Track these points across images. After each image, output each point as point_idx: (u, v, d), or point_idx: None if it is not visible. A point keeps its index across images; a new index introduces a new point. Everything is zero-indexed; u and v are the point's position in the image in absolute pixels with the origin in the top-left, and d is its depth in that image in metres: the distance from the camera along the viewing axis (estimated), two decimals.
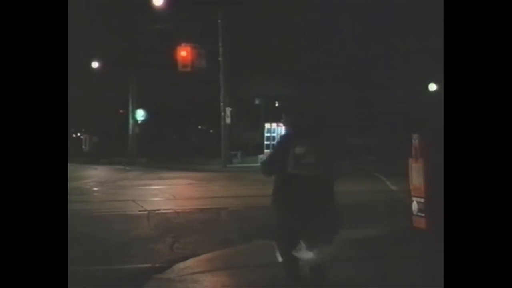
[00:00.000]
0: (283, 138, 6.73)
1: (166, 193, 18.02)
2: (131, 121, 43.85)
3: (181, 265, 7.52)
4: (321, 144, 6.18)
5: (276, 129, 32.27)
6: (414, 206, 8.75)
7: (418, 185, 8.71)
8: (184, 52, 30.81)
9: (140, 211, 13.41)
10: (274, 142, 6.68)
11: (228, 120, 31.73)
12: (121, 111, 46.88)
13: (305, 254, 6.11)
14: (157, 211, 13.25)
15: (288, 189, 6.10)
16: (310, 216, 6.03)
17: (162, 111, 41.83)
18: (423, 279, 6.35)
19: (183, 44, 30.97)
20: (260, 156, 29.65)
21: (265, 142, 33.75)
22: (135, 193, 17.89)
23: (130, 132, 43.95)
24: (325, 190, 6.21)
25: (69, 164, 5.10)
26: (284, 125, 6.85)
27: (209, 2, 32.12)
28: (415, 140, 8.80)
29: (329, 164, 6.19)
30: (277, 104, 34.32)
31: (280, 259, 6.34)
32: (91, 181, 24.08)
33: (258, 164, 7.47)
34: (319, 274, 6.20)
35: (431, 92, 36.83)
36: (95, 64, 42.78)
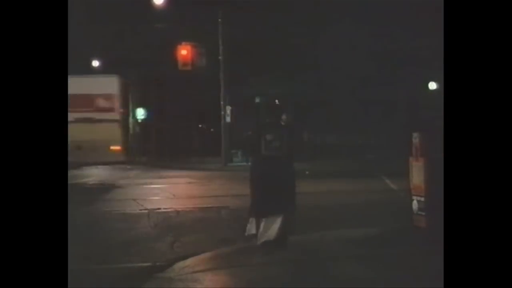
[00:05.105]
0: (257, 128, 8.70)
1: (166, 192, 18.02)
2: (131, 120, 43.80)
3: (181, 264, 7.52)
4: (283, 133, 8.34)
5: None
6: (415, 205, 8.74)
7: (419, 184, 8.70)
8: (184, 51, 30.77)
9: (140, 210, 13.40)
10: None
11: (228, 119, 31.70)
12: (121, 110, 46.80)
13: (266, 229, 7.97)
14: (157, 210, 13.24)
15: (260, 165, 8.30)
16: (275, 184, 8.06)
17: (162, 110, 41.79)
18: (423, 279, 6.34)
19: (183, 43, 30.92)
20: None
21: None
22: (135, 192, 17.87)
23: (130, 131, 43.90)
24: (286, 166, 8.31)
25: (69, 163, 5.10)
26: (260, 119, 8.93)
27: (209, 1, 32.10)
28: (416, 139, 8.80)
29: (289, 147, 8.30)
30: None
31: (253, 231, 8.12)
32: (91, 180, 24.07)
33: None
34: (280, 245, 7.94)
35: (431, 91, 36.80)
36: (95, 63, 42.76)
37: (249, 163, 8.81)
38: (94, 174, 28.09)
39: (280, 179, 8.14)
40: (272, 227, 8.00)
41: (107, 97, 32.11)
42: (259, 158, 8.36)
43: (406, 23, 31.99)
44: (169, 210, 13.29)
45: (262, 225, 8.05)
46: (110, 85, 32.21)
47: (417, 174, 8.77)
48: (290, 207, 8.19)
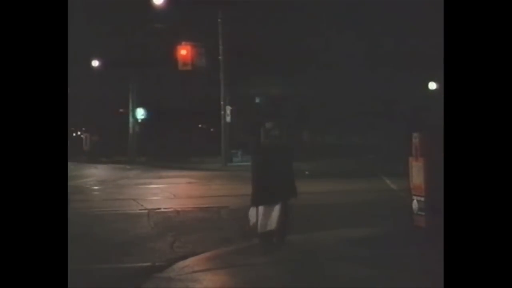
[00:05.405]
0: (257, 118, 8.63)
1: (166, 192, 18.02)
2: (131, 120, 43.84)
3: (181, 264, 7.51)
4: (283, 122, 8.41)
5: None
6: (415, 205, 8.74)
7: (419, 183, 8.70)
8: (184, 51, 30.79)
9: (140, 210, 13.41)
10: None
11: (228, 119, 31.72)
12: (121, 110, 46.84)
13: (266, 221, 8.03)
14: (157, 210, 13.25)
15: (260, 153, 8.34)
16: (275, 173, 8.13)
17: (162, 110, 41.80)
18: (423, 279, 6.34)
19: (183, 43, 30.95)
20: None
21: None
22: (135, 192, 17.88)
23: (130, 131, 43.95)
24: (286, 154, 8.34)
25: (69, 163, 5.10)
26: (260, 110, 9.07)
27: (209, 1, 32.11)
28: (416, 138, 8.80)
29: (289, 136, 8.41)
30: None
31: (252, 220, 8.17)
32: (91, 180, 24.09)
33: None
34: (279, 240, 8.05)
35: (431, 91, 36.81)
36: (95, 63, 42.82)
37: (250, 157, 8.91)
38: (94, 174, 28.11)
39: (279, 168, 8.19)
40: (272, 216, 8.03)
41: None
42: (259, 148, 8.39)
43: (406, 23, 31.99)
44: (169, 210, 13.29)
45: (261, 213, 8.09)
46: None
47: (417, 174, 8.76)
48: (290, 194, 8.24)
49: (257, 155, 8.49)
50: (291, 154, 8.47)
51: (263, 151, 8.32)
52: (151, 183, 21.54)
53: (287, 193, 8.22)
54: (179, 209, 13.24)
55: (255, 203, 8.23)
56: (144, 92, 41.88)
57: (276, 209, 8.05)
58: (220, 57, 31.84)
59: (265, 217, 8.06)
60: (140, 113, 43.54)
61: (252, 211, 8.25)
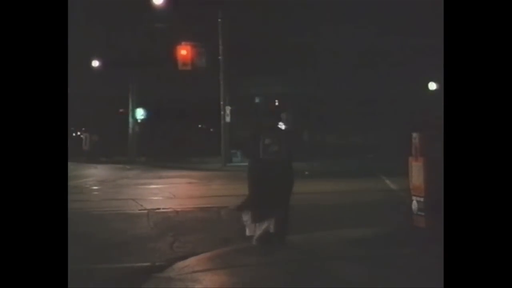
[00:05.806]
0: (255, 131, 8.52)
1: (166, 192, 18.02)
2: (131, 120, 43.79)
3: (181, 264, 7.52)
4: (282, 136, 8.34)
5: None
6: (414, 205, 8.74)
7: (418, 184, 8.70)
8: (184, 51, 30.76)
9: (140, 210, 13.41)
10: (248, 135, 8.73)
11: (228, 119, 31.69)
12: (121, 110, 46.78)
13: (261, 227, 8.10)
14: (157, 210, 13.25)
15: (259, 169, 8.20)
16: (274, 189, 8.03)
17: (162, 110, 41.73)
18: (423, 278, 6.34)
19: (183, 43, 30.92)
20: None
21: None
22: (135, 192, 17.87)
23: (130, 131, 43.89)
24: (285, 170, 8.22)
25: (69, 163, 5.10)
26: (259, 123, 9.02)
27: (209, 1, 32.10)
28: (415, 139, 8.80)
29: (288, 151, 8.27)
30: (277, 103, 34.46)
31: (244, 218, 8.21)
32: (91, 180, 24.07)
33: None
34: (280, 239, 8.08)
35: (431, 91, 36.80)
36: (95, 63, 42.78)
37: (247, 164, 8.77)
38: (94, 174, 28.10)
39: (278, 184, 8.09)
40: (271, 219, 8.09)
41: None
42: (257, 162, 8.31)
43: (406, 23, 31.98)
44: (168, 210, 13.29)
45: (257, 227, 8.16)
46: None
47: (416, 174, 8.77)
48: (281, 212, 8.17)
49: (255, 170, 8.39)
50: (290, 170, 8.35)
51: (262, 168, 8.23)
52: (151, 183, 21.53)
53: (279, 212, 8.15)
54: (179, 209, 13.24)
55: (252, 218, 8.23)
56: (144, 92, 41.82)
57: (272, 221, 8.11)
58: (220, 57, 31.83)
59: (259, 229, 8.09)
60: (140, 113, 43.47)
61: (249, 225, 8.29)
